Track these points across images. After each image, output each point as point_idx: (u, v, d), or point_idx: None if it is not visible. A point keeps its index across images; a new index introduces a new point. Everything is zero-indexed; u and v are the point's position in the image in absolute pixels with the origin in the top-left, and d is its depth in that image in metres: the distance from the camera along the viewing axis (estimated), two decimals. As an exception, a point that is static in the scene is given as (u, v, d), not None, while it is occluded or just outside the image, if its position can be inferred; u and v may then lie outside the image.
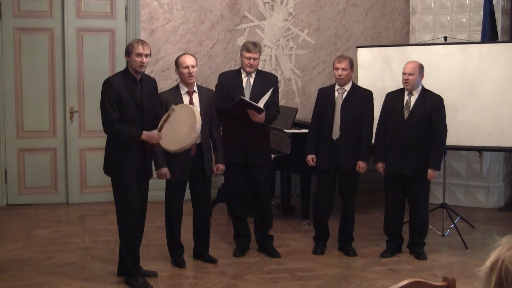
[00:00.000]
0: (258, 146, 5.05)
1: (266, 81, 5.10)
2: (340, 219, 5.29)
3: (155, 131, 4.30)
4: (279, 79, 7.28)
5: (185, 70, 4.70)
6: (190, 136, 4.27)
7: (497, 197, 6.98)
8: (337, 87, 5.15)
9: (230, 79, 5.11)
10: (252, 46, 5.03)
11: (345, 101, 5.09)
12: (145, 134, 4.26)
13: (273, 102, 5.08)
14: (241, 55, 5.09)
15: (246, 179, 5.14)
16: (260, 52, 5.11)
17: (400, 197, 5.16)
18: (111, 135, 4.32)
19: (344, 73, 5.05)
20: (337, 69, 5.07)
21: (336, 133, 5.10)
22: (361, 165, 5.08)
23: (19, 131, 6.71)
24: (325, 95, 5.20)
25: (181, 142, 4.30)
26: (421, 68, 5.07)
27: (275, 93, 5.15)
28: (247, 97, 4.97)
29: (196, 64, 4.79)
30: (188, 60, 4.72)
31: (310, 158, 5.20)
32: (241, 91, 5.00)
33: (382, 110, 5.20)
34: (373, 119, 5.16)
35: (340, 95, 5.12)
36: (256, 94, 4.99)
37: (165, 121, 4.31)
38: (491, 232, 5.91)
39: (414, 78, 5.02)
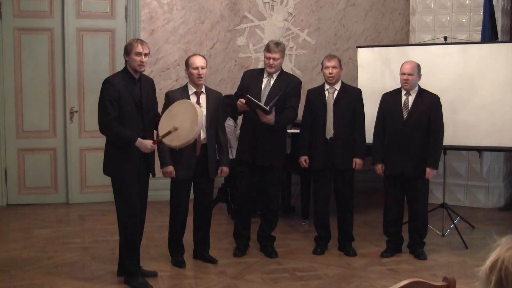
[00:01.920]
0: (268, 148, 4.99)
1: (286, 83, 5.02)
2: (338, 219, 5.29)
3: (150, 141, 4.28)
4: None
5: (195, 71, 4.70)
6: (193, 130, 4.28)
7: (497, 197, 6.97)
8: (327, 86, 5.17)
9: (252, 78, 5.09)
10: (274, 46, 4.97)
11: (336, 100, 5.11)
12: (139, 141, 4.24)
13: (290, 105, 5.00)
14: (264, 54, 5.07)
15: (255, 180, 5.12)
16: (282, 52, 5.01)
17: (399, 198, 5.17)
18: (107, 134, 4.31)
19: (335, 71, 5.07)
20: (328, 67, 5.09)
21: (329, 132, 5.11)
22: (358, 162, 5.12)
23: (19, 131, 6.71)
24: (316, 95, 5.20)
25: (183, 137, 4.30)
26: (419, 68, 5.10)
27: (294, 97, 5.06)
28: (263, 98, 4.94)
29: (206, 65, 4.79)
30: (198, 61, 4.72)
31: (303, 160, 5.20)
32: (258, 91, 4.97)
33: (379, 111, 5.20)
34: (364, 116, 5.20)
35: (331, 94, 5.14)
36: (273, 96, 4.91)
37: (164, 136, 4.29)
38: (491, 232, 5.91)
39: (414, 78, 5.03)
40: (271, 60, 4.96)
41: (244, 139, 5.10)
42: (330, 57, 5.19)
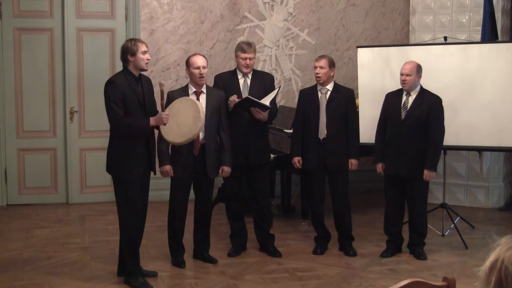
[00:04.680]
0: (259, 146, 5.07)
1: (263, 80, 5.12)
2: (334, 219, 5.28)
3: (161, 113, 4.36)
4: (279, 79, 7.29)
5: (196, 71, 4.72)
6: (196, 126, 4.35)
7: (497, 197, 6.97)
8: (319, 87, 5.17)
9: (226, 81, 5.10)
10: (247, 46, 5.02)
11: (329, 101, 5.13)
12: (153, 119, 4.32)
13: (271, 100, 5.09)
14: (236, 56, 5.09)
15: (245, 179, 5.15)
16: (255, 51, 5.10)
17: (399, 197, 5.17)
18: (121, 132, 4.33)
19: (322, 71, 5.08)
20: (315, 67, 5.12)
21: (322, 133, 5.11)
22: (353, 162, 5.14)
23: (19, 131, 6.70)
24: (308, 96, 5.22)
25: (187, 133, 4.36)
26: (418, 68, 5.08)
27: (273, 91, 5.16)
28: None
29: (207, 64, 4.82)
30: (200, 61, 4.74)
31: (297, 160, 5.19)
32: (238, 92, 5.01)
33: (382, 110, 5.22)
34: (358, 117, 5.28)
35: (323, 95, 5.14)
36: (254, 94, 4.97)
37: (162, 98, 4.40)
38: (491, 232, 5.89)
39: (412, 78, 5.02)
40: (248, 60, 5.01)
41: (234, 141, 5.04)
42: (319, 57, 5.20)
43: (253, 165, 5.06)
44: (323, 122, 5.11)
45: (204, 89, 4.82)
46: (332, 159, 5.11)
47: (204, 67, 4.74)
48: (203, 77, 4.74)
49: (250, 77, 5.08)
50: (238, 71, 5.10)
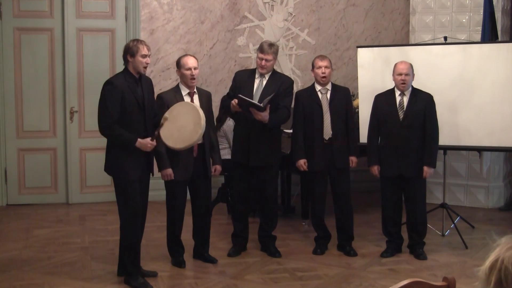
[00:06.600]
0: (263, 148, 4.99)
1: (279, 83, 5.01)
2: (336, 219, 5.28)
3: (148, 139, 4.30)
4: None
5: (188, 72, 4.68)
6: (197, 132, 4.31)
7: (497, 197, 6.97)
8: (318, 87, 5.15)
9: (244, 78, 5.08)
10: (267, 47, 4.95)
11: (331, 100, 5.12)
12: (139, 142, 4.25)
13: (283, 105, 5.00)
14: (257, 54, 5.06)
15: (252, 180, 5.12)
16: (275, 53, 5.00)
17: (397, 198, 5.17)
18: (108, 137, 4.32)
19: (327, 71, 5.08)
20: (320, 67, 5.07)
21: (328, 133, 5.10)
22: (354, 160, 5.16)
23: (19, 131, 6.71)
24: (307, 97, 5.18)
25: (187, 139, 4.32)
26: (412, 67, 5.12)
27: (287, 97, 5.07)
28: (256, 99, 4.92)
29: (198, 65, 4.78)
30: (191, 62, 4.70)
31: (303, 163, 5.15)
32: (250, 91, 4.97)
33: (372, 112, 5.21)
34: (354, 115, 5.39)
35: (324, 95, 5.13)
36: (266, 96, 4.89)
37: (159, 129, 4.33)
38: (491, 232, 5.90)
39: (410, 78, 5.05)
40: (264, 61, 4.94)
41: (238, 140, 5.09)
42: (322, 57, 5.18)
43: (255, 166, 5.03)
44: (327, 122, 5.10)
45: (195, 89, 4.81)
46: (339, 157, 5.11)
47: (195, 68, 4.69)
48: (194, 78, 4.70)
49: (266, 78, 5.02)
50: (257, 70, 5.06)
